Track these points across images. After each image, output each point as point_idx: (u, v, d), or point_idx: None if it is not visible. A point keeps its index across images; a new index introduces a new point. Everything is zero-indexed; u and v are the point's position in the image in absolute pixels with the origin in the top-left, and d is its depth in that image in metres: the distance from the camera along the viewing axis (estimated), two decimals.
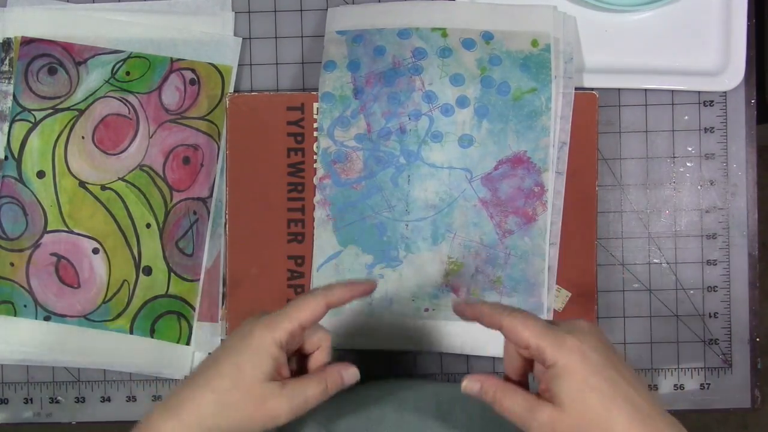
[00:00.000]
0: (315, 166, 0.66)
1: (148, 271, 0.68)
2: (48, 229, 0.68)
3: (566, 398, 0.42)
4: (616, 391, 0.42)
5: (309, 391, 0.47)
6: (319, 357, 0.50)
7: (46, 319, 0.68)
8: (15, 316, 0.68)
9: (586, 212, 0.65)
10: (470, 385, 0.46)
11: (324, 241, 0.65)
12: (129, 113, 0.69)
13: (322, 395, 0.48)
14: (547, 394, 0.43)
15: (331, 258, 0.65)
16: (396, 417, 0.58)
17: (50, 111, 0.69)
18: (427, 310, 0.65)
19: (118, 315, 0.68)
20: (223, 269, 0.67)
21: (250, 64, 0.70)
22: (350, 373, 0.50)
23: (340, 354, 0.69)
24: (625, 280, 0.68)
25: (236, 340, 0.47)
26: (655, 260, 0.68)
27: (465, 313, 0.49)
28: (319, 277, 0.65)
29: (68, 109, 0.69)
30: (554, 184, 0.64)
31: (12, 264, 0.68)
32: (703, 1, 0.67)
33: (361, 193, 0.65)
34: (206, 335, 0.68)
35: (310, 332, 0.49)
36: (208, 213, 0.68)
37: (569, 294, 0.65)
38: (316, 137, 0.65)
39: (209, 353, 0.56)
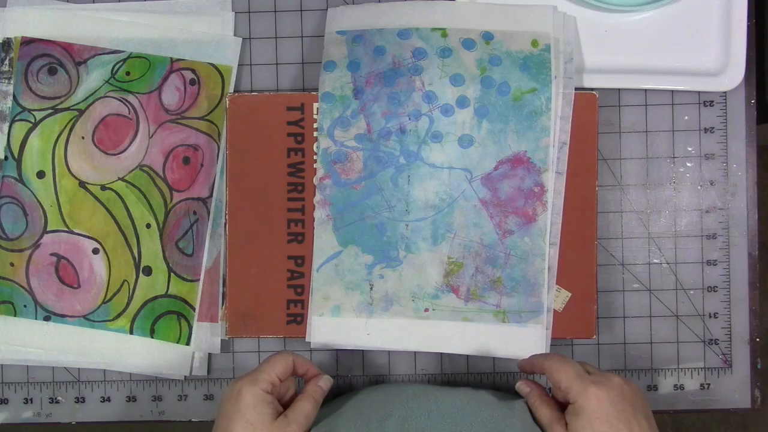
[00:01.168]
0: (315, 166, 0.66)
1: (148, 271, 0.68)
2: (48, 229, 0.68)
3: (573, 431, 0.52)
4: None
5: (306, 409, 0.56)
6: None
7: (46, 319, 0.68)
8: (15, 316, 0.68)
9: (586, 212, 0.65)
10: (523, 386, 0.59)
11: (324, 241, 0.65)
12: (129, 113, 0.69)
13: (315, 407, 0.57)
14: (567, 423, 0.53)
15: (331, 258, 0.65)
16: (398, 424, 0.58)
17: (50, 111, 0.69)
18: (427, 310, 0.65)
19: (118, 315, 0.68)
20: (223, 269, 0.67)
21: (250, 64, 0.70)
22: (324, 380, 0.60)
23: (339, 354, 0.69)
24: (625, 280, 0.68)
25: (231, 404, 0.54)
26: (655, 260, 0.68)
27: (526, 368, 0.59)
28: (319, 278, 0.65)
29: (68, 109, 0.69)
30: (554, 184, 0.64)
31: (12, 264, 0.68)
32: (703, 1, 0.67)
33: (361, 193, 0.65)
34: (206, 335, 0.68)
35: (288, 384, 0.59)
36: (208, 213, 0.68)
37: (569, 294, 0.65)
38: (316, 137, 0.65)
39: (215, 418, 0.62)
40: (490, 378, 0.69)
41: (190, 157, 0.68)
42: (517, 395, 0.61)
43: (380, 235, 0.65)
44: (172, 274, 0.68)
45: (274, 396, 0.56)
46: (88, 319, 0.68)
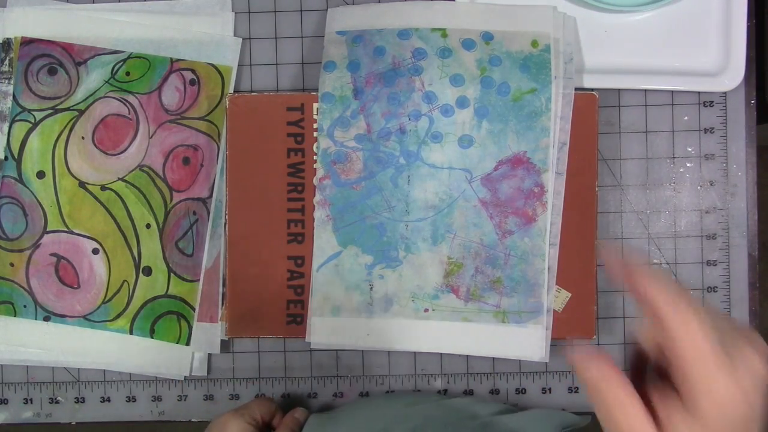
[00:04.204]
0: (315, 166, 0.66)
1: (147, 271, 0.68)
2: (48, 229, 0.68)
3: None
4: None
5: None
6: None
7: (46, 319, 0.68)
8: (15, 316, 0.68)
9: (586, 212, 0.65)
10: (586, 364, 0.37)
11: (324, 241, 0.65)
12: (129, 113, 0.69)
13: None
14: (681, 394, 0.36)
15: (331, 258, 0.65)
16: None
17: (50, 111, 0.69)
18: (426, 310, 0.65)
19: (118, 315, 0.68)
20: (223, 269, 0.67)
21: (250, 65, 0.70)
22: (299, 412, 0.65)
23: (339, 354, 0.69)
24: None
25: None
26: (655, 260, 0.68)
27: (618, 275, 0.39)
28: (318, 278, 0.65)
29: (68, 109, 0.69)
30: (554, 184, 0.64)
31: (12, 264, 0.68)
32: (703, 1, 0.67)
33: (361, 193, 0.65)
34: (206, 336, 0.68)
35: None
36: (208, 213, 0.68)
37: (569, 294, 0.65)
38: (316, 137, 0.65)
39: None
40: (489, 378, 0.69)
41: (190, 157, 0.68)
42: (512, 409, 0.61)
43: (380, 236, 0.65)
44: (172, 274, 0.68)
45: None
46: (88, 319, 0.68)
